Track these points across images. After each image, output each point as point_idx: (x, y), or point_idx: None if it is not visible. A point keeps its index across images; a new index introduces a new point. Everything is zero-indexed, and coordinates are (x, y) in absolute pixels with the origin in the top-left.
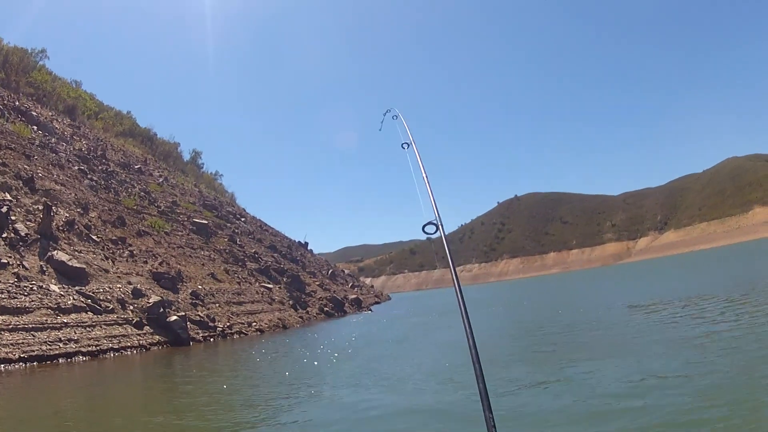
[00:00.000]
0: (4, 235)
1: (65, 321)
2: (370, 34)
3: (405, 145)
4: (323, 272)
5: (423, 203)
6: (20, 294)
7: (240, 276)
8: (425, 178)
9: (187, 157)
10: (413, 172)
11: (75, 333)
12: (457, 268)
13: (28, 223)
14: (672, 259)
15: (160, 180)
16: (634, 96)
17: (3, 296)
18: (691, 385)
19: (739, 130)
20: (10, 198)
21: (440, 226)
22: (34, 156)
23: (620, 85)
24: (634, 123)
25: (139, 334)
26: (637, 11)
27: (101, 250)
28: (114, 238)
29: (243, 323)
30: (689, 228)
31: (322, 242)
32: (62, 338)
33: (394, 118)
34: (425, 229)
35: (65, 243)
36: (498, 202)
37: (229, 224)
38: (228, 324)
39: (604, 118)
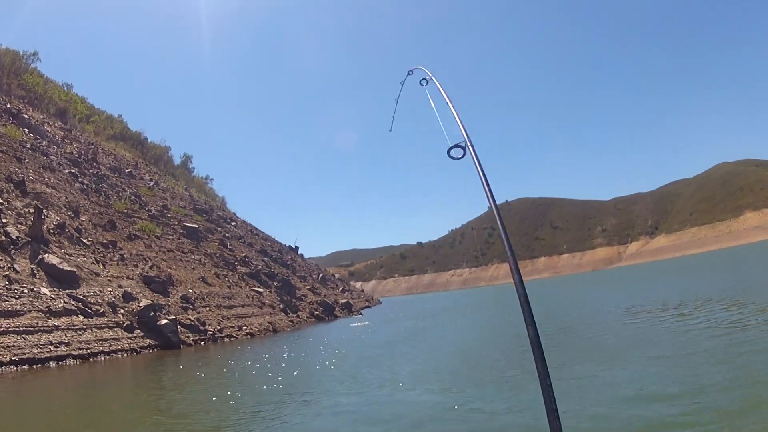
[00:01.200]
0: None
1: (56, 324)
2: (370, 35)
3: (423, 82)
4: (314, 276)
5: (445, 129)
6: (11, 297)
7: (230, 280)
8: (449, 102)
9: (177, 161)
10: (433, 102)
11: (66, 336)
12: (447, 273)
13: (19, 226)
14: (663, 263)
15: (151, 184)
16: (624, 102)
17: None
18: (689, 390)
19: (729, 136)
20: (1, 201)
21: (469, 147)
22: (25, 159)
23: (611, 91)
24: (625, 127)
25: (129, 338)
26: (628, 21)
27: (92, 253)
28: (105, 241)
29: (233, 327)
30: (680, 233)
31: (313, 246)
32: (53, 341)
33: (424, 83)
34: (451, 153)
35: (56, 246)
36: (488, 207)
37: (219, 228)
38: (218, 328)
39: (594, 124)
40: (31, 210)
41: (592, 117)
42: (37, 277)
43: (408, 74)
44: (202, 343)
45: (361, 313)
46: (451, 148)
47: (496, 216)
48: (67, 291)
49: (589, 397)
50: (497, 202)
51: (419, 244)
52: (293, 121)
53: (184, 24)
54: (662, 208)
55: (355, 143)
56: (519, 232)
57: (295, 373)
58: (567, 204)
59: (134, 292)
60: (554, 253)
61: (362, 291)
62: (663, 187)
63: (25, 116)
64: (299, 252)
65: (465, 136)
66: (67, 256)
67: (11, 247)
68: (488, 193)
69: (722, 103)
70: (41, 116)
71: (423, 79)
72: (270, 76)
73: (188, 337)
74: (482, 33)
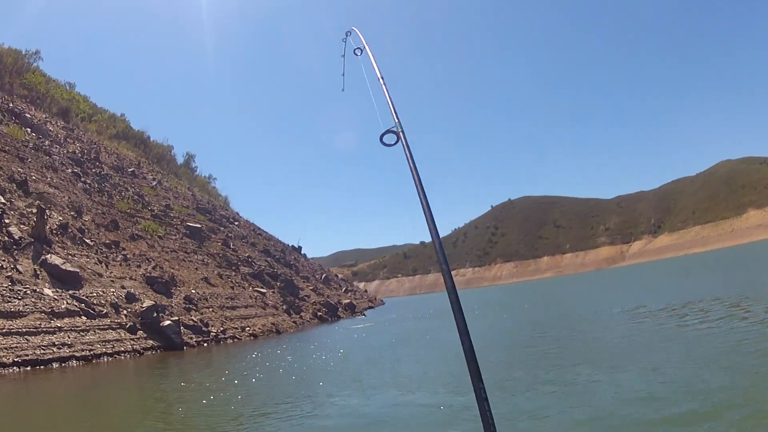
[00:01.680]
0: None
1: (59, 325)
2: (369, 35)
3: (358, 51)
4: (317, 277)
5: (379, 112)
6: (14, 298)
7: (233, 280)
8: (380, 79)
9: (180, 160)
10: (367, 78)
11: (69, 337)
12: (451, 272)
13: (21, 226)
14: (666, 262)
15: (154, 183)
16: (627, 99)
17: None
18: (690, 393)
19: (732, 133)
20: (3, 201)
21: (401, 134)
22: (27, 158)
23: (613, 88)
24: (628, 126)
25: (132, 339)
26: (629, 17)
27: (95, 253)
28: (107, 241)
29: (236, 328)
30: (683, 231)
31: (316, 246)
32: (56, 342)
33: (358, 53)
34: (383, 140)
35: (59, 246)
36: (491, 206)
37: (222, 228)
38: (221, 329)
39: (597, 122)
40: (34, 210)
41: (595, 115)
42: (40, 277)
43: (347, 35)
44: (205, 344)
45: (364, 314)
46: (383, 133)
47: (424, 210)
48: (70, 292)
49: (596, 411)
50: (497, 203)
51: (422, 243)
52: (295, 122)
53: (186, 25)
54: (665, 206)
55: (354, 143)
56: (522, 230)
57: (297, 377)
58: (570, 203)
59: (137, 293)
60: (557, 252)
61: (365, 291)
62: (666, 185)
63: (28, 116)
64: (302, 252)
65: (396, 120)
66: (69, 257)
67: (14, 247)
68: (418, 185)
69: (725, 101)
70: (44, 115)
71: (357, 48)
72: (270, 77)
73: (191, 338)
74: (486, 32)
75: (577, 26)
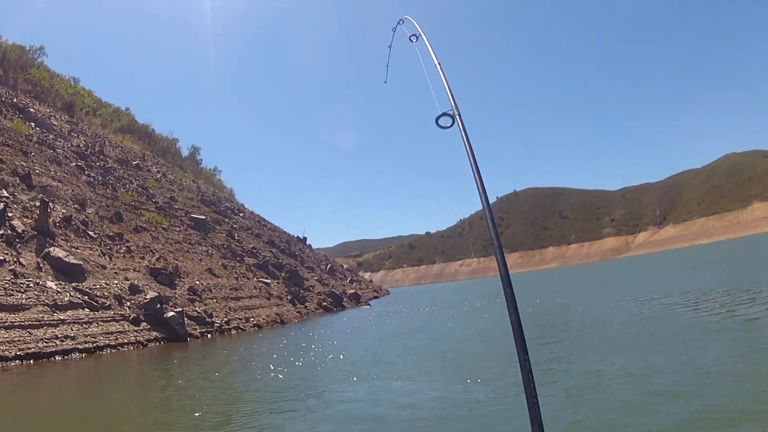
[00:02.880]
0: (1, 232)
1: (62, 318)
2: (371, 33)
3: (413, 38)
4: (322, 267)
5: (436, 96)
6: (17, 291)
7: (238, 271)
8: (438, 66)
9: (185, 152)
10: (423, 64)
11: (71, 330)
12: (455, 262)
13: (24, 219)
14: (671, 253)
15: (158, 176)
16: (633, 91)
17: None
18: (699, 380)
19: (738, 126)
20: (6, 194)
21: (457, 116)
22: (31, 152)
23: (619, 81)
24: (633, 118)
25: (136, 331)
26: (635, 9)
27: (98, 246)
28: (111, 234)
29: (241, 318)
30: (688, 223)
31: (321, 237)
32: (59, 335)
33: (414, 39)
34: (439, 122)
35: (62, 239)
36: (497, 197)
37: (227, 219)
38: (225, 319)
39: (602, 114)
40: (37, 203)
41: (601, 107)
42: (43, 270)
43: (399, 23)
44: (209, 335)
45: (369, 304)
46: (439, 116)
47: (480, 192)
48: (74, 284)
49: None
50: (503, 194)
51: (428, 233)
52: (297, 117)
53: (190, 20)
54: (670, 198)
55: (354, 143)
56: (527, 221)
57: (300, 364)
58: (575, 194)
59: (141, 285)
60: (563, 242)
61: (371, 281)
62: (671, 177)
63: (32, 110)
64: (307, 243)
65: (453, 104)
66: (73, 249)
67: (17, 240)
68: (473, 166)
69: (731, 94)
70: (48, 110)
71: (413, 35)
72: (274, 70)
73: (195, 329)
74: (490, 28)
75: (583, 17)
